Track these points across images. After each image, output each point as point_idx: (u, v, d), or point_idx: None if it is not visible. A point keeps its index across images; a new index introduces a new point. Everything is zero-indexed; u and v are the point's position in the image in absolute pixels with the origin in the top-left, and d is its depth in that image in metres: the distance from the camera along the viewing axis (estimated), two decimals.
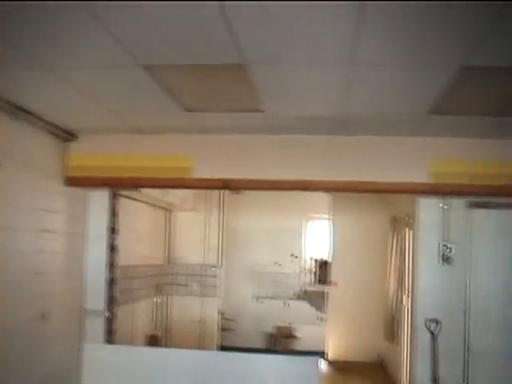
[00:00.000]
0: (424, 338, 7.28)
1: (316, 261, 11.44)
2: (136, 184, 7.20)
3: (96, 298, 7.61)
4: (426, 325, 7.27)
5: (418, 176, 6.84)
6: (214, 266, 10.63)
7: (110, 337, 7.75)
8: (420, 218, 7.44)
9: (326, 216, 10.99)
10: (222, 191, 10.37)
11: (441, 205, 7.30)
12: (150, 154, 6.99)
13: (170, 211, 10.50)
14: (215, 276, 10.63)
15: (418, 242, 7.48)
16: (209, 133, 6.81)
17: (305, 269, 11.54)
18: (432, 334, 7.24)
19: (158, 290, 10.23)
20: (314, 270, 11.49)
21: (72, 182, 7.15)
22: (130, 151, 7.01)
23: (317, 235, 11.47)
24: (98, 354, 7.39)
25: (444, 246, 7.28)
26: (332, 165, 6.90)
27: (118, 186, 7.38)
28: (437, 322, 7.25)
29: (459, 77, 4.60)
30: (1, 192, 5.79)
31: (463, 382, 7.24)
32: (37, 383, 6.54)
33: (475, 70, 4.45)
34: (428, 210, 7.36)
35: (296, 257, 11.52)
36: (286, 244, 11.44)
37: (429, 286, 7.32)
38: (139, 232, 9.15)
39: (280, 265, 11.51)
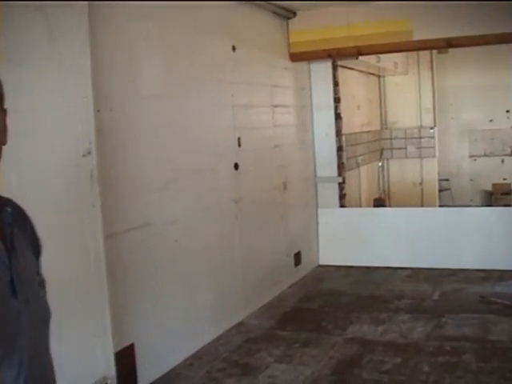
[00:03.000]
0: None
1: None
2: (358, 52, 7.44)
3: (327, 166, 8.09)
4: None
5: None
6: (430, 128, 10.72)
7: (342, 201, 8.25)
8: None
9: None
10: (430, 52, 10.28)
11: None
12: (369, 22, 7.14)
13: (383, 77, 10.64)
14: (431, 137, 10.74)
15: None
16: None
17: None
18: None
19: (379, 154, 10.57)
20: None
21: (296, 57, 7.51)
22: (350, 21, 7.19)
23: None
24: (331, 217, 8.00)
25: None
26: None
27: (340, 56, 7.64)
28: None
29: None
30: (239, 73, 6.26)
31: None
32: (283, 244, 7.20)
33: None
34: None
35: (510, 111, 11.23)
36: (499, 100, 11.13)
37: None
38: (356, 100, 9.42)
39: (494, 121, 11.30)
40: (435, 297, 6.69)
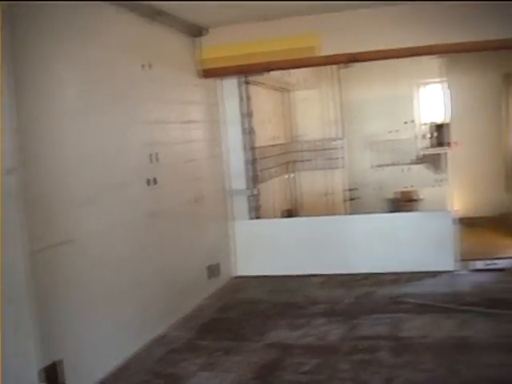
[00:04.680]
0: None
1: (431, 125, 11.61)
2: (267, 68, 7.71)
3: (240, 179, 8.31)
4: None
5: None
6: (336, 139, 11.09)
7: (255, 213, 8.48)
8: None
9: (438, 80, 11.08)
10: (334, 66, 10.64)
11: None
12: (278, 38, 7.42)
13: (291, 91, 10.94)
14: (339, 148, 11.11)
15: None
16: (332, 11, 7.14)
17: (420, 133, 11.73)
18: None
19: (288, 167, 10.85)
20: (429, 133, 11.67)
21: (207, 73, 7.72)
22: (259, 38, 7.45)
23: (430, 99, 11.61)
24: (246, 228, 8.20)
25: None
26: (455, 27, 7.15)
27: (251, 72, 7.90)
28: None
29: None
30: (152, 90, 6.41)
31: None
32: (199, 256, 7.35)
33: None
34: None
35: (412, 121, 11.65)
36: (400, 111, 11.58)
37: None
38: (266, 114, 9.67)
39: (396, 132, 11.72)
40: (348, 300, 6.97)
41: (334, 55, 7.38)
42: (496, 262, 7.93)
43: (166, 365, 5.45)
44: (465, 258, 7.89)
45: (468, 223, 9.08)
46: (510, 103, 9.99)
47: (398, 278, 7.64)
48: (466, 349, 5.26)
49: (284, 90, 10.76)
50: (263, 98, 9.60)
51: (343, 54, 7.35)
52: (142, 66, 6.21)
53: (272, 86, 10.02)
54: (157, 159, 6.33)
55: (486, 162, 11.39)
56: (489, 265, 7.82)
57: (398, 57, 7.46)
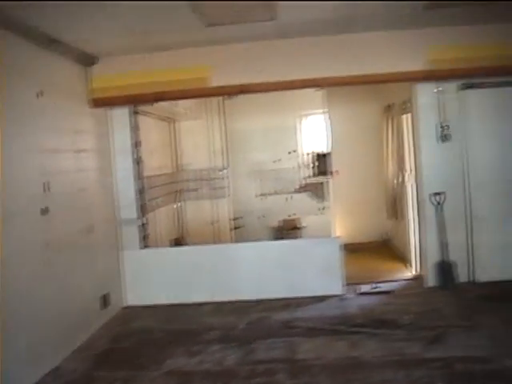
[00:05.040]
0: (430, 210, 8.11)
1: (313, 154, 11.99)
2: (158, 98, 7.80)
3: (128, 208, 8.29)
4: (431, 198, 8.07)
5: (417, 64, 7.57)
6: (222, 169, 11.26)
7: (145, 241, 8.48)
8: (418, 103, 8.11)
9: (320, 111, 11.49)
10: (219, 97, 10.84)
11: (436, 90, 7.96)
12: (168, 69, 7.55)
13: (176, 121, 11.03)
14: (223, 178, 11.28)
15: (417, 124, 8.19)
16: (222, 44, 7.36)
17: (303, 163, 12.07)
18: (438, 205, 8.06)
19: (176, 196, 10.90)
20: (312, 163, 12.04)
21: (97, 102, 7.70)
22: (150, 68, 7.55)
23: (312, 130, 12.00)
24: (135, 258, 8.20)
25: (441, 126, 8.00)
26: (337, 62, 7.58)
27: (141, 101, 7.95)
28: (441, 194, 8.05)
29: None
30: (45, 118, 6.36)
31: (468, 243, 8.12)
32: (91, 286, 7.27)
33: None
34: (425, 94, 8.04)
35: (294, 151, 11.96)
36: (284, 141, 11.91)
37: (431, 164, 8.10)
38: (153, 144, 9.70)
39: (279, 161, 12.02)
40: (242, 326, 7.09)
41: (225, 86, 7.59)
42: (380, 285, 8.31)
43: None
44: (350, 282, 8.21)
45: (351, 249, 9.42)
46: (391, 133, 10.51)
47: (287, 303, 7.84)
48: (359, 368, 5.51)
49: (171, 120, 10.84)
50: (151, 127, 9.64)
51: (233, 86, 7.57)
52: (37, 94, 6.14)
53: (159, 116, 10.08)
54: (49, 188, 6.24)
55: (368, 189, 11.90)
56: (374, 288, 8.18)
57: (285, 89, 7.78)
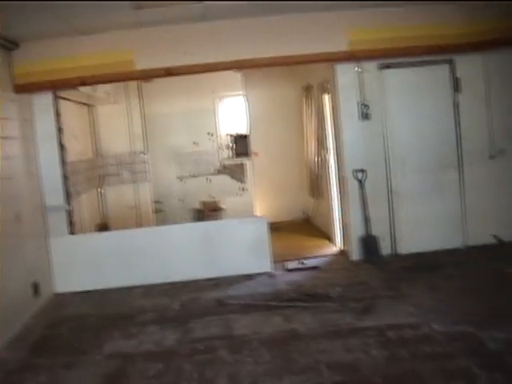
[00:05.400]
0: (353, 186, 8.39)
1: (232, 136, 12.12)
2: (82, 83, 7.73)
3: (55, 195, 8.19)
4: (353, 175, 8.35)
5: (337, 45, 7.80)
6: (142, 153, 11.25)
7: (71, 228, 8.41)
8: (339, 83, 8.35)
9: (239, 92, 11.65)
10: (138, 82, 10.81)
11: (356, 69, 8.23)
12: (92, 53, 7.50)
13: (95, 107, 10.91)
14: (144, 162, 11.28)
15: (338, 104, 8.42)
16: (147, 26, 7.35)
17: (222, 145, 12.19)
18: (359, 182, 8.34)
19: (99, 181, 10.82)
20: (231, 144, 12.16)
21: (20, 88, 7.57)
22: (73, 52, 7.47)
23: (231, 112, 12.13)
24: (63, 245, 8.13)
25: (362, 104, 8.27)
26: (261, 43, 7.73)
27: (65, 87, 7.85)
28: (363, 171, 8.34)
29: None
30: None
31: (390, 217, 8.46)
32: (21, 275, 7.16)
33: None
34: (345, 75, 8.29)
35: (212, 134, 12.11)
36: (202, 123, 12.00)
37: (353, 141, 8.38)
38: (74, 130, 9.58)
39: (198, 144, 12.10)
40: (176, 307, 7.17)
41: (149, 69, 7.60)
42: (307, 261, 8.55)
43: None
44: (277, 259, 8.41)
45: (275, 227, 9.60)
46: (310, 113, 10.75)
47: (217, 282, 7.96)
48: (296, 339, 5.70)
49: (90, 105, 10.72)
50: (71, 113, 9.51)
51: (158, 69, 7.59)
52: None
53: (78, 102, 9.95)
54: None
55: (289, 169, 12.17)
56: (301, 264, 8.41)
57: (209, 71, 7.91)
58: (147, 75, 7.81)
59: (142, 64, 7.52)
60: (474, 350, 5.03)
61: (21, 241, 7.28)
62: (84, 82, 7.70)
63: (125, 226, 10.14)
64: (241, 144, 12.01)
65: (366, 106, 8.25)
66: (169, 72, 7.62)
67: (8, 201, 6.99)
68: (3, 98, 7.22)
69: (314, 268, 8.30)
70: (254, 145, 11.89)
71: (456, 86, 8.41)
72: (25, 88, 7.58)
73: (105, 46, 7.50)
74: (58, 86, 7.76)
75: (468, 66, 8.37)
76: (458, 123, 8.46)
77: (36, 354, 6.00)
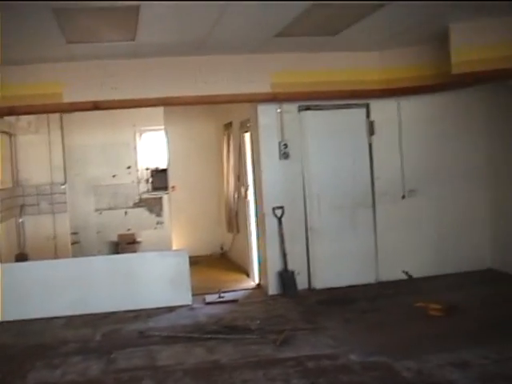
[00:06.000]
0: (271, 222, 8.69)
1: (151, 170, 12.22)
2: (11, 112, 7.75)
3: None
4: (272, 212, 8.65)
5: (260, 86, 8.12)
6: (61, 184, 11.21)
7: None
8: (260, 122, 8.69)
9: (159, 127, 11.81)
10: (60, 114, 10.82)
11: (277, 110, 8.60)
12: (22, 83, 7.55)
13: (15, 135, 10.82)
14: (62, 193, 11.23)
15: (259, 142, 8.75)
16: (77, 60, 7.48)
17: (141, 178, 12.25)
18: (278, 218, 8.65)
19: (19, 211, 10.72)
20: (149, 178, 12.26)
21: None
22: (3, 81, 7.47)
23: (150, 146, 12.23)
24: None
25: (282, 144, 8.62)
26: (188, 82, 7.98)
27: None
28: (281, 207, 8.66)
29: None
30: None
31: (306, 253, 8.79)
32: None
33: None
34: (266, 114, 8.67)
35: (131, 167, 12.17)
36: (122, 156, 12.04)
37: (272, 179, 8.72)
38: None
39: (117, 176, 12.13)
40: (98, 338, 7.20)
41: (77, 102, 7.70)
42: (225, 294, 8.74)
43: None
44: (196, 292, 8.58)
45: (192, 261, 9.71)
46: (230, 150, 11.03)
47: (138, 314, 8.05)
48: (219, 370, 5.87)
49: (10, 133, 10.63)
50: None
51: (86, 102, 7.71)
52: None
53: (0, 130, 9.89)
54: None
55: (207, 204, 12.41)
56: (220, 297, 8.60)
57: (137, 106, 8.11)
58: (75, 108, 7.89)
59: (70, 97, 7.63)
60: (390, 379, 5.35)
61: None
62: (12, 111, 7.75)
63: (43, 256, 10.07)
64: (159, 178, 12.14)
65: (285, 145, 8.60)
66: (96, 106, 7.75)
67: None
68: None
69: (233, 301, 8.51)
70: (173, 179, 12.08)
71: (371, 128, 8.88)
72: None
73: (35, 77, 7.57)
74: None
75: (382, 110, 8.89)
76: (371, 164, 8.92)
77: None
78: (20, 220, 10.66)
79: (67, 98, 7.64)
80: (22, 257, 10.04)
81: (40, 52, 7.03)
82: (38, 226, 11.01)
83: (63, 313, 8.12)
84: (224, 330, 7.12)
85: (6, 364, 6.45)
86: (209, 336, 6.90)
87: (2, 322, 7.90)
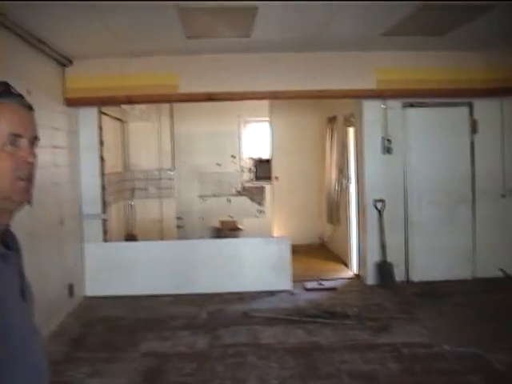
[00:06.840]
0: (372, 214, 8.93)
1: (254, 160, 12.61)
2: (129, 101, 8.31)
3: (92, 204, 8.76)
4: (373, 204, 8.89)
5: (366, 83, 8.40)
6: (169, 170, 11.78)
7: (104, 236, 8.96)
8: (364, 118, 8.93)
9: (264, 119, 12.19)
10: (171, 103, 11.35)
11: (382, 106, 8.81)
12: (141, 74, 8.10)
13: (127, 123, 11.44)
14: (170, 179, 11.80)
15: (362, 137, 8.99)
16: (193, 54, 7.96)
17: (244, 168, 12.68)
18: (378, 211, 8.88)
19: (129, 194, 11.36)
20: (252, 168, 12.66)
21: (71, 102, 8.16)
22: (122, 72, 8.04)
23: (255, 136, 12.63)
24: (97, 251, 8.66)
25: (385, 139, 8.84)
26: (296, 77, 8.32)
27: (113, 103, 8.50)
28: (382, 201, 8.89)
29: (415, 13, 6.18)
30: None
31: (405, 246, 9.00)
32: (59, 276, 7.68)
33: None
34: (371, 110, 8.88)
35: (235, 157, 12.61)
36: (226, 146, 12.49)
37: (374, 173, 8.94)
38: (108, 144, 10.09)
39: (221, 165, 12.60)
40: (204, 315, 7.68)
41: (192, 93, 8.17)
42: (324, 282, 9.06)
43: (52, 375, 5.75)
44: (296, 279, 8.93)
45: (292, 250, 10.04)
46: (333, 143, 11.31)
47: (241, 296, 8.47)
48: (319, 350, 6.22)
49: (123, 121, 11.26)
50: (107, 127, 10.04)
51: (201, 93, 8.17)
52: (27, 91, 6.52)
53: (114, 117, 10.50)
54: None
55: (308, 195, 12.70)
56: (319, 285, 8.92)
57: (248, 99, 8.54)
58: (190, 99, 8.36)
59: (185, 88, 8.11)
60: (481, 369, 5.55)
61: (62, 244, 7.82)
62: (131, 100, 8.29)
63: (150, 238, 10.64)
64: (262, 168, 12.50)
65: (388, 140, 8.81)
66: (210, 97, 8.20)
67: (54, 205, 7.53)
68: (56, 110, 7.80)
69: (332, 289, 8.81)
70: (275, 169, 12.43)
71: (473, 127, 8.98)
72: (75, 102, 8.17)
73: (153, 68, 8.10)
74: (106, 103, 8.38)
75: (486, 109, 8.95)
76: (473, 162, 9.02)
77: (75, 350, 6.50)
78: (131, 203, 11.27)
79: (183, 89, 8.13)
80: (131, 237, 10.65)
81: (160, 45, 7.54)
82: (145, 209, 11.61)
83: (170, 291, 8.61)
84: (323, 314, 7.44)
85: (120, 334, 7.01)
86: (309, 319, 7.25)
87: (112, 297, 8.49)
